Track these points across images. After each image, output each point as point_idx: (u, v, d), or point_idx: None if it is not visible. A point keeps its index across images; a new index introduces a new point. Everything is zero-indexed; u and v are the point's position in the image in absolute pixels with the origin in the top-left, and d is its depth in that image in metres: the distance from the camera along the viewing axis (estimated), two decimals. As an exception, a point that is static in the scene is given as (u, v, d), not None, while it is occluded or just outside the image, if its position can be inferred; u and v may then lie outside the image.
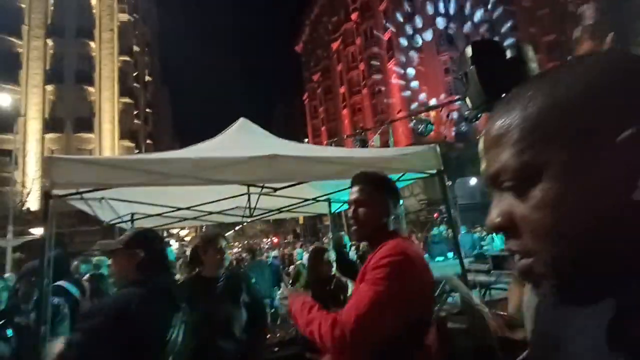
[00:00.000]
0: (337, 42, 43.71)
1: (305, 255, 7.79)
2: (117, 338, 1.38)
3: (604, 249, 0.40)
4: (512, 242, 0.45)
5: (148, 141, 34.97)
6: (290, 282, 7.17)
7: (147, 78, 36.88)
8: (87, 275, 4.44)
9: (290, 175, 3.10)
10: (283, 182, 3.36)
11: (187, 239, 32.82)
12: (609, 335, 0.39)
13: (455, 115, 21.51)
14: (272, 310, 6.55)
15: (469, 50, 4.20)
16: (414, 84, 31.93)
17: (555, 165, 0.40)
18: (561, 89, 0.42)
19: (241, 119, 4.49)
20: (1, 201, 19.30)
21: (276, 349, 3.16)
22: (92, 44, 27.53)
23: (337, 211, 6.32)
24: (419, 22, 33.51)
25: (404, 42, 33.08)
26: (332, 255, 3.18)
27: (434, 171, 3.70)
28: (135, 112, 30.47)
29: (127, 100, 28.83)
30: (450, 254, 15.39)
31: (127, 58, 29.55)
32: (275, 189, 3.78)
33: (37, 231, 18.56)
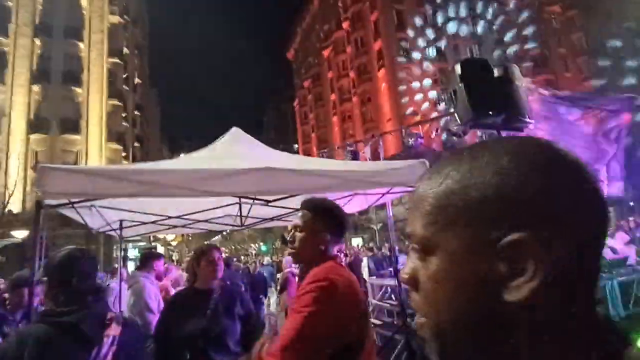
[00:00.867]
0: (328, 49, 44.06)
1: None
2: None
3: (469, 341, 0.42)
4: (413, 298, 0.48)
5: (136, 144, 34.54)
6: (279, 289, 7.18)
7: (137, 80, 36.52)
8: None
9: (283, 188, 3.15)
10: (276, 194, 3.41)
11: (174, 243, 32.41)
12: None
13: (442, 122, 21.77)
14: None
15: (458, 68, 4.34)
16: (404, 94, 32.33)
17: (446, 249, 0.42)
18: (467, 176, 0.43)
19: (233, 129, 4.52)
20: (-18, 203, 18.81)
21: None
22: (81, 45, 27.18)
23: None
24: (410, 33, 34.06)
25: (394, 52, 33.53)
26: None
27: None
28: (123, 115, 30.08)
29: (115, 102, 28.46)
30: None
31: (116, 60, 29.23)
32: (268, 201, 3.82)
33: (19, 234, 18.13)
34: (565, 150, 0.44)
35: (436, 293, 0.43)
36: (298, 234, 1.51)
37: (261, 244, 40.85)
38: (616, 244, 7.11)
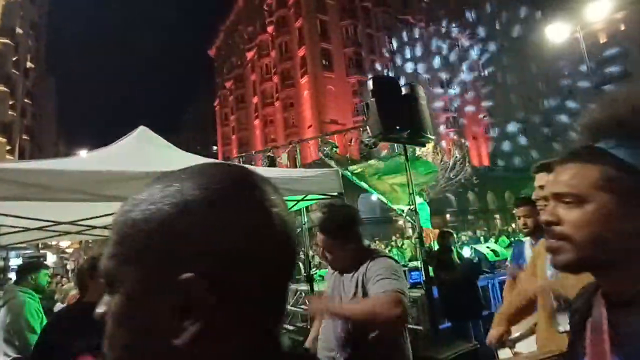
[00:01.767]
0: (252, 52, 43.55)
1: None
2: None
3: None
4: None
5: (24, 137, 30.20)
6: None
7: (29, 64, 32.05)
8: None
9: (192, 194, 3.02)
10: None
11: (69, 250, 28.88)
12: None
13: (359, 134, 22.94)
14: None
15: (370, 84, 4.63)
16: (325, 101, 33.35)
17: (124, 286, 0.39)
18: (145, 205, 0.40)
19: (140, 128, 4.20)
20: None
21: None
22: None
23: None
24: (335, 41, 35.35)
25: (316, 61, 34.47)
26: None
27: (335, 193, 3.95)
28: (10, 103, 26.13)
29: (1, 87, 24.63)
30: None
31: (6, 40, 25.38)
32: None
33: None
34: (256, 181, 0.43)
35: (113, 335, 0.40)
36: None
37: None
38: (497, 247, 8.16)
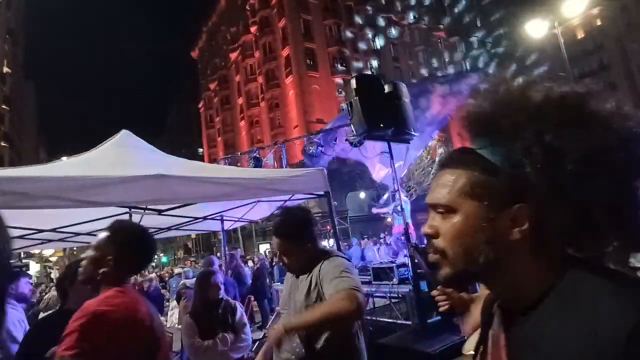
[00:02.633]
0: (236, 52, 43.21)
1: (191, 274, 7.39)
2: None
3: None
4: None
5: (3, 143, 29.43)
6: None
7: (6, 69, 31.22)
8: None
9: (177, 197, 2.99)
10: (169, 203, 3.23)
11: (53, 259, 28.24)
12: None
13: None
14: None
15: (353, 82, 4.66)
16: (310, 101, 33.33)
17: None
18: None
19: (122, 131, 4.14)
20: None
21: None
22: None
23: (231, 228, 6.21)
24: (319, 40, 35.33)
25: (301, 61, 34.42)
26: (219, 277, 3.14)
27: (322, 192, 3.95)
28: (-14, 109, 25.42)
29: (-25, 93, 23.93)
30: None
31: (-23, 44, 24.64)
32: (160, 211, 3.58)
33: None
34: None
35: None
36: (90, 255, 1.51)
37: (161, 255, 37.97)
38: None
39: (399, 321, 4.96)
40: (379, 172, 7.20)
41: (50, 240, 4.74)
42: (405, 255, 5.11)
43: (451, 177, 0.61)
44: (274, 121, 37.55)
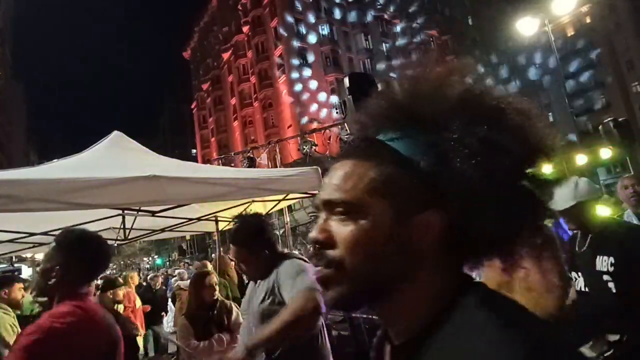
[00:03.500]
0: (228, 52, 43.04)
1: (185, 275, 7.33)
2: None
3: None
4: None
5: (-8, 147, 29.03)
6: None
7: (-6, 71, 30.80)
8: None
9: (170, 198, 2.96)
10: (163, 204, 3.20)
11: (46, 262, 27.92)
12: None
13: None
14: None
15: (346, 81, 4.65)
16: (304, 99, 33.30)
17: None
18: None
19: (115, 133, 4.10)
20: None
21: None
22: None
23: (225, 229, 6.17)
24: (311, 39, 35.29)
25: (294, 60, 34.37)
26: (214, 279, 3.11)
27: (317, 192, 3.94)
28: (-26, 112, 25.05)
29: (-38, 96, 23.57)
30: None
31: (-36, 45, 24.27)
32: (154, 213, 3.55)
33: None
34: None
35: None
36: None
37: (156, 257, 37.72)
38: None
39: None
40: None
41: (42, 244, 4.67)
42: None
43: (357, 170, 0.50)
44: (267, 121, 37.48)
